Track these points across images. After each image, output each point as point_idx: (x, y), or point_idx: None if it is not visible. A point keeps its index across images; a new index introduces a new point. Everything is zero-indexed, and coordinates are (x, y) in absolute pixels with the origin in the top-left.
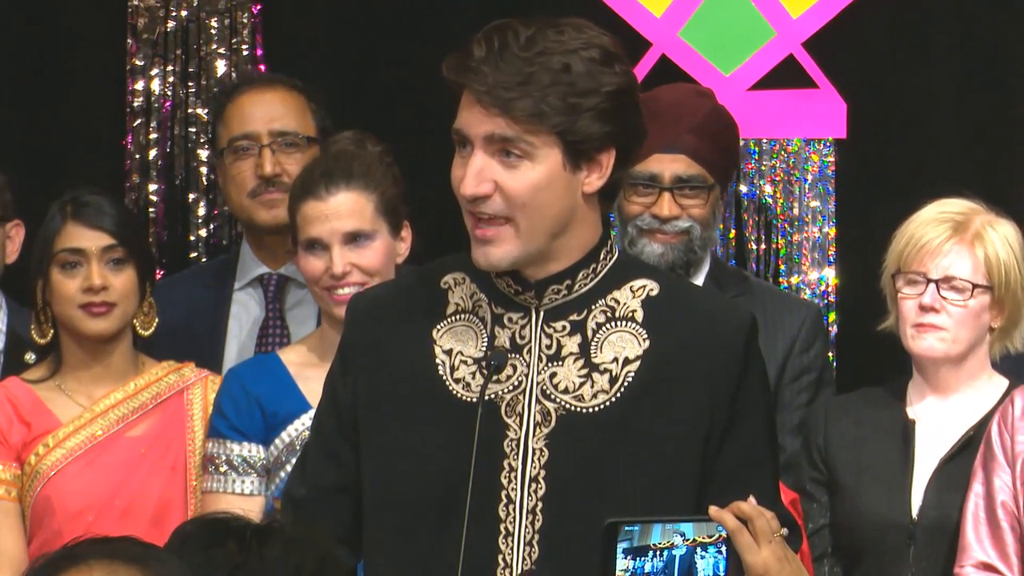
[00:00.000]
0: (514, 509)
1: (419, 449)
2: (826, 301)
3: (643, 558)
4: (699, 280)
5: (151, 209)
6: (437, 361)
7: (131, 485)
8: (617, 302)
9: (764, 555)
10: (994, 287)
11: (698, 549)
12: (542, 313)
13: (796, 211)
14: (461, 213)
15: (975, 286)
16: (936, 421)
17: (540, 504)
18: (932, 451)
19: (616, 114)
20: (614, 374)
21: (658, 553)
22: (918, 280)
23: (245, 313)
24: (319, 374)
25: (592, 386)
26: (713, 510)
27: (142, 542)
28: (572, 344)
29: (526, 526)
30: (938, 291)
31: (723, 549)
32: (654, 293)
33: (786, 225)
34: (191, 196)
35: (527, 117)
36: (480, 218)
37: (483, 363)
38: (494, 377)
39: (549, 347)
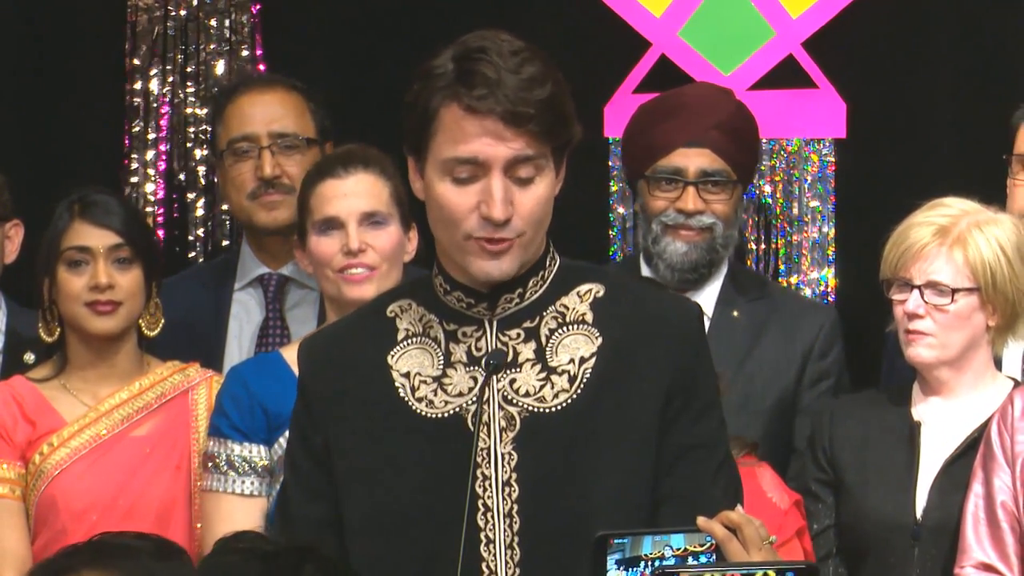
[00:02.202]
0: (492, 516)
1: (396, 471)
2: (825, 301)
3: (635, 569)
4: (718, 282)
5: (150, 209)
6: (396, 385)
7: (135, 485)
8: (567, 308)
9: None
10: (981, 288)
11: (689, 559)
12: (495, 323)
13: (796, 211)
14: None
15: (955, 290)
16: (941, 422)
17: (515, 507)
18: (937, 452)
19: (574, 114)
20: (572, 373)
21: (650, 564)
22: (904, 286)
23: (245, 313)
24: None
25: (552, 387)
26: (701, 520)
27: (148, 548)
28: (528, 350)
29: (504, 530)
30: (922, 296)
31: (714, 558)
32: (600, 294)
33: (786, 225)
34: (191, 196)
35: (544, 134)
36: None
37: (443, 380)
38: (455, 392)
39: (506, 355)
